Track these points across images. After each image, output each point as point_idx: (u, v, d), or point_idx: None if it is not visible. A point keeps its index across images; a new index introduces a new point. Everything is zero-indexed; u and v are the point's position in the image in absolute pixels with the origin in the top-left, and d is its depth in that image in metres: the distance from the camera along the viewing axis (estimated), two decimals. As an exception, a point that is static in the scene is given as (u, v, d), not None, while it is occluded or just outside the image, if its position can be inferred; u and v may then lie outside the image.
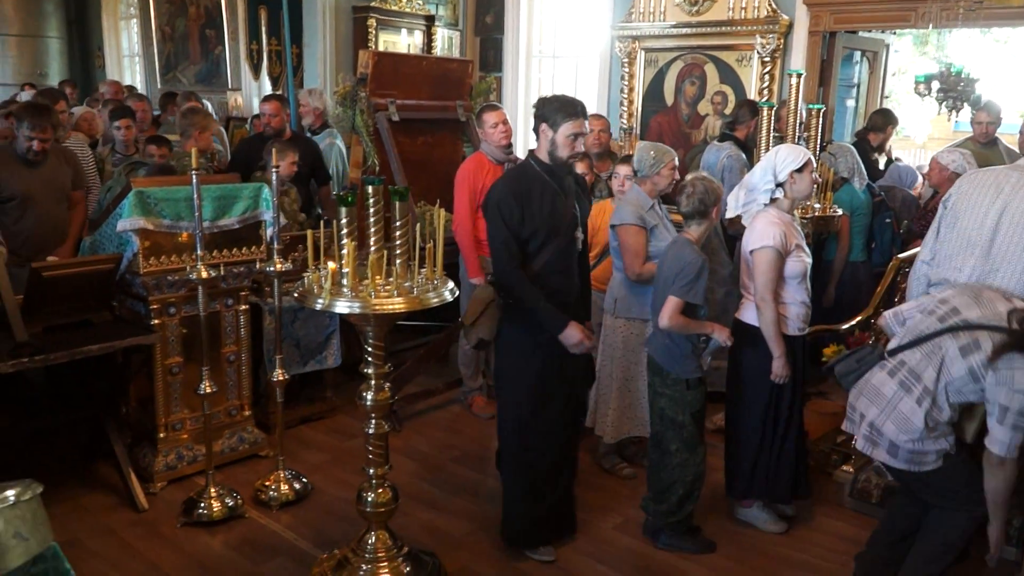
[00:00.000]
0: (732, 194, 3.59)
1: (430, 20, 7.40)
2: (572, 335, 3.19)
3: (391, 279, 2.84)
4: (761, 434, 3.52)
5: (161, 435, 3.98)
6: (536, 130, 3.25)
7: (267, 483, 3.85)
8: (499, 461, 3.59)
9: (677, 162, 4.00)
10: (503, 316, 3.30)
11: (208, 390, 3.63)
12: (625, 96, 6.91)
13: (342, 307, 2.75)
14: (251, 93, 9.41)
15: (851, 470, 3.97)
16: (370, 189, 2.82)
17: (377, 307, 2.74)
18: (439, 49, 7.61)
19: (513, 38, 7.84)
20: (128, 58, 12.55)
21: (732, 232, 4.68)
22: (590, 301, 3.62)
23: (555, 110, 3.13)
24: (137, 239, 3.74)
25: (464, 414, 4.94)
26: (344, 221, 2.84)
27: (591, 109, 7.33)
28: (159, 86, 11.14)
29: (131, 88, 8.84)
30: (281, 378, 3.82)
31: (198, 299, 3.56)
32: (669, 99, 6.75)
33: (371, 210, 2.82)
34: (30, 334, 3.42)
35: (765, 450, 3.53)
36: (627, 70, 6.83)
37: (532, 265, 3.21)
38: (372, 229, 2.82)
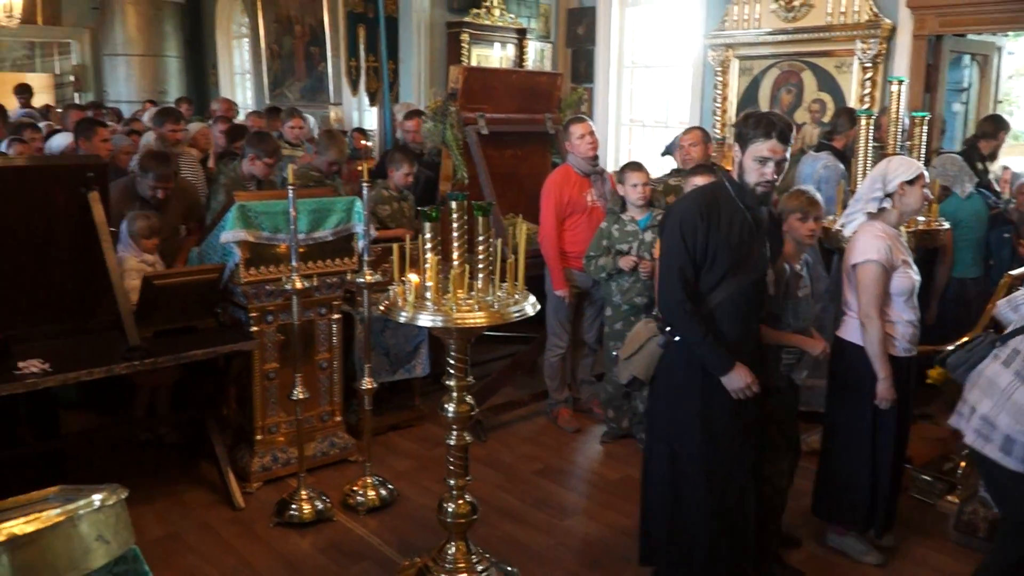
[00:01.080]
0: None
1: (522, 33, 7.46)
2: (737, 378, 2.75)
3: (473, 293, 2.88)
4: (861, 460, 3.35)
5: (258, 437, 4.13)
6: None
7: (355, 488, 3.95)
8: (644, 550, 3.15)
9: None
10: (663, 355, 2.96)
11: (301, 396, 3.76)
12: (718, 105, 6.78)
13: (425, 320, 2.79)
14: (351, 107, 9.72)
15: (956, 501, 3.75)
16: (453, 204, 2.87)
17: (459, 321, 2.78)
18: (531, 62, 7.66)
19: (605, 49, 7.81)
20: (239, 75, 13.15)
21: (828, 245, 4.51)
22: (767, 360, 3.06)
23: (748, 126, 2.73)
24: (238, 250, 3.91)
25: (549, 426, 4.94)
26: (427, 236, 2.89)
27: (684, 119, 7.28)
28: (267, 101, 11.61)
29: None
30: (369, 386, 3.91)
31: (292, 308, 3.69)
32: (764, 107, 6.58)
33: (454, 225, 2.87)
34: (142, 338, 3.62)
35: (864, 477, 3.36)
36: (720, 79, 6.71)
37: (705, 302, 2.77)
38: (455, 244, 2.86)
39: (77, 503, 1.22)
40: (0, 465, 4.01)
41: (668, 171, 5.20)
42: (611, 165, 7.85)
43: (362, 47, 7.51)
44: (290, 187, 3.56)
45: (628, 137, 8.04)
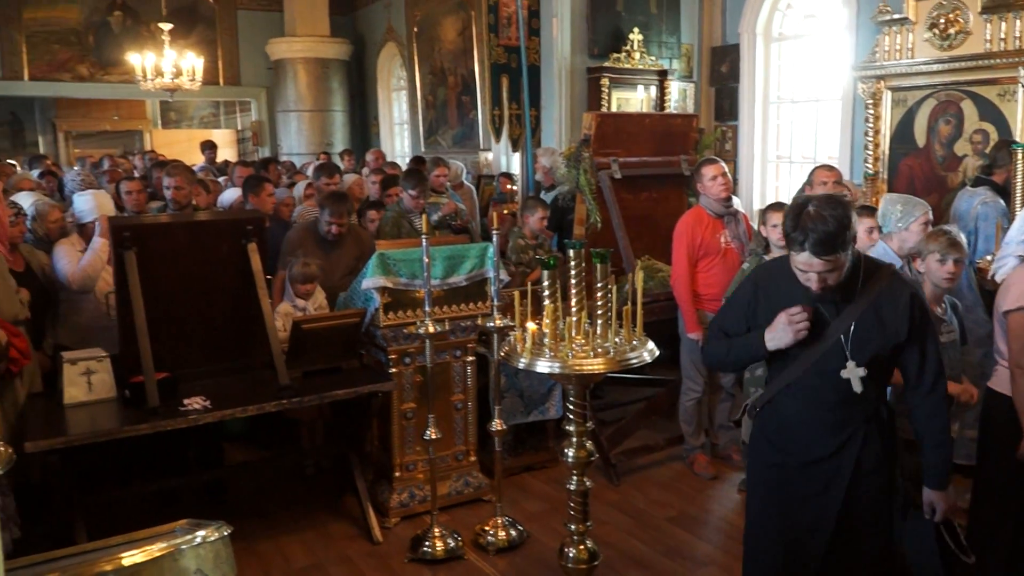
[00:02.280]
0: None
1: (663, 75, 7.47)
2: (778, 328, 2.47)
3: (591, 339, 2.91)
4: (1010, 520, 3.09)
5: (396, 474, 4.31)
6: None
7: (486, 527, 4.03)
8: None
9: (931, 216, 3.67)
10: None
11: (434, 436, 3.90)
12: (870, 139, 6.48)
13: (542, 366, 2.85)
14: (499, 152, 10.03)
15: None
16: (571, 253, 2.93)
17: (576, 367, 2.81)
18: (672, 101, 7.64)
19: (749, 86, 7.67)
20: (398, 125, 13.92)
21: (991, 288, 4.20)
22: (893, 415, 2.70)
23: (787, 226, 2.41)
24: (378, 295, 4.14)
25: (685, 472, 4.84)
26: (546, 284, 2.95)
27: (833, 153, 7.01)
28: (422, 149, 12.21)
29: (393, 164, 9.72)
30: (500, 428, 4.00)
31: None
32: (920, 140, 6.22)
33: (572, 272, 2.92)
34: (291, 378, 3.90)
35: (1006, 536, 3.09)
36: (872, 111, 6.41)
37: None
38: (572, 291, 2.91)
39: (184, 538, 1.35)
40: (169, 492, 4.43)
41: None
42: (757, 202, 7.66)
43: (505, 96, 7.77)
44: (424, 236, 3.74)
45: (775, 174, 7.82)
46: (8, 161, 9.80)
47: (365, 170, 8.21)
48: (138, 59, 11.31)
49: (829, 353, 2.46)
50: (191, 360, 4.00)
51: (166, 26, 11.54)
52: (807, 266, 2.35)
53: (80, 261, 4.32)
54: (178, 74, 11.28)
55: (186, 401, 3.64)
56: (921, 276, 3.21)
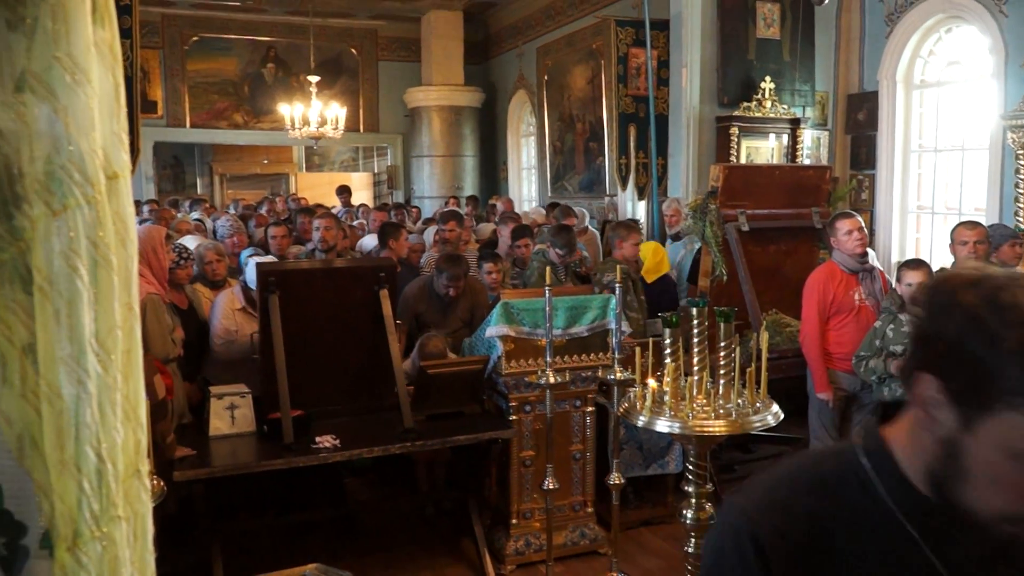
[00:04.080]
0: None
1: (795, 123, 7.30)
2: None
3: (713, 399, 2.86)
4: None
5: (513, 521, 4.34)
6: None
7: (601, 582, 3.99)
8: None
9: None
10: None
11: (551, 486, 3.90)
12: (1021, 191, 6.08)
13: (662, 426, 2.83)
14: (626, 199, 10.04)
15: None
16: (694, 311, 2.90)
17: (696, 429, 2.77)
18: (805, 150, 7.44)
19: (888, 134, 7.37)
20: (526, 170, 14.19)
21: None
22: None
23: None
24: (501, 343, 4.22)
25: (811, 536, 4.61)
26: (668, 342, 2.94)
27: (980, 205, 6.62)
28: (549, 194, 12.39)
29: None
30: (617, 481, 3.96)
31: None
32: (1080, 193, 5.79)
33: (695, 331, 2.90)
34: (415, 421, 4.02)
35: None
36: (1023, 162, 6.03)
37: None
38: (695, 349, 2.88)
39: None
40: (296, 527, 4.62)
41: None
42: (895, 254, 7.32)
43: (632, 145, 7.81)
44: (547, 288, 3.79)
45: (915, 226, 7.45)
46: (167, 204, 10.63)
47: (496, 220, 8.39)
48: (287, 109, 12.10)
49: None
50: (323, 399, 4.19)
51: (313, 78, 12.31)
52: None
53: (217, 329, 4.55)
54: (323, 123, 11.98)
55: (318, 439, 3.81)
56: None
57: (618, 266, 4.00)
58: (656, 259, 6.05)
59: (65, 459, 0.77)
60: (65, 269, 0.78)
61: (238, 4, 13.17)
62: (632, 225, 5.45)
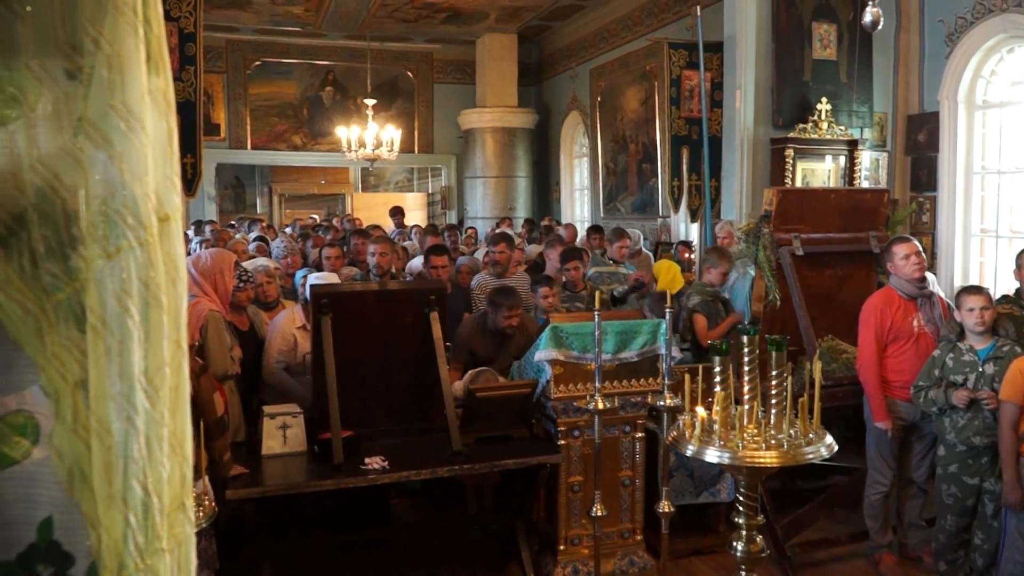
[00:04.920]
0: None
1: (853, 144, 7.16)
2: None
3: (764, 429, 2.80)
4: None
5: (561, 547, 4.30)
6: None
7: (649, 611, 3.93)
8: None
9: None
10: None
11: (599, 513, 3.86)
12: (1092, 215, 5.87)
13: (711, 456, 2.78)
14: (678, 220, 9.97)
15: None
16: (744, 339, 2.85)
17: (747, 459, 2.72)
18: (863, 171, 7.30)
19: (950, 155, 7.19)
20: (579, 191, 14.21)
21: None
22: None
23: None
24: (550, 367, 4.21)
25: (869, 572, 4.48)
26: (717, 370, 2.89)
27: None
28: (601, 215, 12.37)
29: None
30: (667, 509, 3.90)
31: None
32: None
33: (745, 360, 2.85)
34: (464, 444, 4.03)
35: None
36: (1094, 185, 5.82)
37: None
38: (745, 378, 2.83)
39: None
40: (344, 547, 4.65)
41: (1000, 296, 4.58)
42: (958, 278, 7.10)
43: (684, 167, 7.76)
44: (596, 312, 3.78)
45: (979, 249, 7.22)
46: (228, 225, 10.90)
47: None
48: (344, 132, 12.35)
49: None
50: (373, 420, 4.23)
51: (370, 101, 12.55)
52: None
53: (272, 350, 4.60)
54: (378, 145, 12.19)
55: (367, 460, 3.85)
56: None
57: (700, 290, 3.97)
58: (669, 276, 6.00)
59: (113, 493, 0.80)
60: (117, 309, 0.81)
61: (299, 29, 13.52)
62: (724, 253, 5.43)
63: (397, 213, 11.73)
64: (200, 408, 3.27)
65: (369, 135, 12.23)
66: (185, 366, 0.89)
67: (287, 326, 4.61)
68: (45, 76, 0.83)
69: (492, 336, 4.93)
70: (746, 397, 2.83)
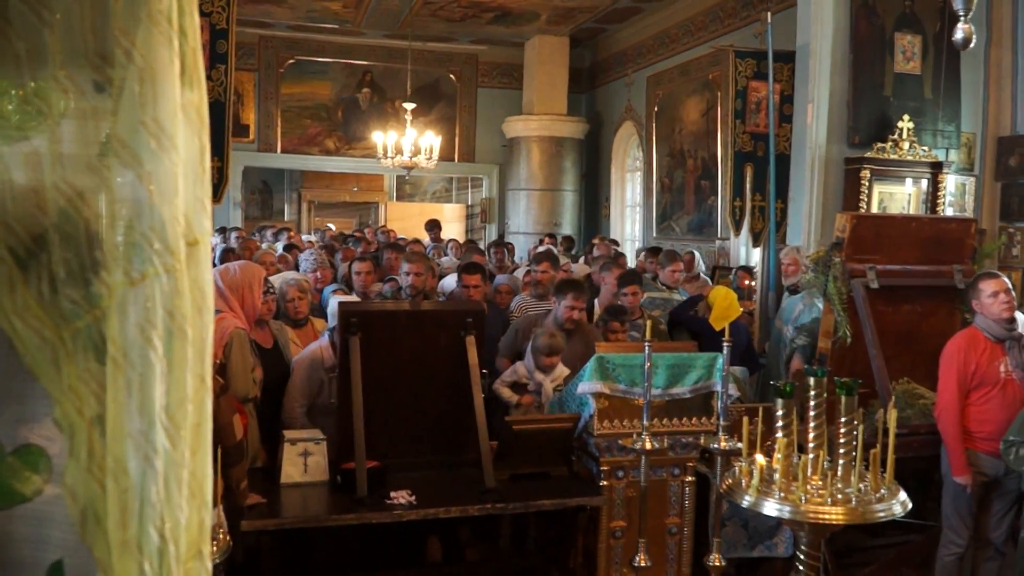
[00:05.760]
0: None
1: (937, 167, 7.04)
2: None
3: (830, 482, 2.75)
4: None
5: (600, 598, 4.26)
6: None
7: (695, 675, 3.85)
8: None
9: None
10: None
11: (643, 563, 3.81)
12: None
13: (770, 508, 2.73)
14: (738, 243, 9.88)
15: None
16: (811, 381, 2.81)
17: (810, 514, 2.66)
18: (948, 197, 7.16)
19: (1046, 182, 7.03)
20: (630, 208, 14.16)
21: None
22: None
23: None
24: (594, 401, 4.18)
25: (941, 641, 4.36)
26: (780, 413, 2.84)
27: None
28: (654, 234, 12.31)
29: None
30: (717, 563, 3.83)
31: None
32: None
33: (812, 404, 2.80)
34: (498, 480, 4.01)
35: None
36: None
37: None
38: (811, 424, 2.78)
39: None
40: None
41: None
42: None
43: (748, 186, 7.69)
44: (647, 343, 3.74)
45: (1078, 287, 7.03)
46: (253, 234, 11.06)
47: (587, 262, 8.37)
48: (380, 137, 12.48)
49: None
50: (400, 450, 4.23)
51: (409, 105, 12.68)
52: None
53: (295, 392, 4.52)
54: (416, 152, 12.29)
55: (393, 494, 3.84)
56: None
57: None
58: (725, 304, 5.90)
59: (127, 538, 0.80)
60: (139, 340, 0.81)
61: (336, 26, 13.73)
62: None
63: (434, 227, 11.78)
64: (218, 432, 3.29)
65: (407, 141, 12.35)
66: (208, 402, 0.90)
67: (316, 369, 4.52)
68: (73, 88, 0.85)
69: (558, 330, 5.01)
70: (811, 445, 2.78)
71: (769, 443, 2.94)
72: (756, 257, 9.00)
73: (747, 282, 8.27)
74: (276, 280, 5.28)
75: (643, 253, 8.99)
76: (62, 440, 0.83)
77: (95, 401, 0.83)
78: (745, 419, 3.06)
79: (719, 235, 10.63)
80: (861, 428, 2.73)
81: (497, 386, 4.97)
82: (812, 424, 2.79)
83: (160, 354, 0.83)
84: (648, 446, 3.73)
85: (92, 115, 0.84)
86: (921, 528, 4.87)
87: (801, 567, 2.88)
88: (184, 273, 0.85)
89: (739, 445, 3.93)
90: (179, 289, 0.84)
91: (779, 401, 2.85)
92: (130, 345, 0.82)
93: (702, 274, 8.86)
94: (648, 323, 3.86)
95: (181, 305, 0.85)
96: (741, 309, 6.59)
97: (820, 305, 5.82)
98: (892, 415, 2.80)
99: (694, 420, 4.28)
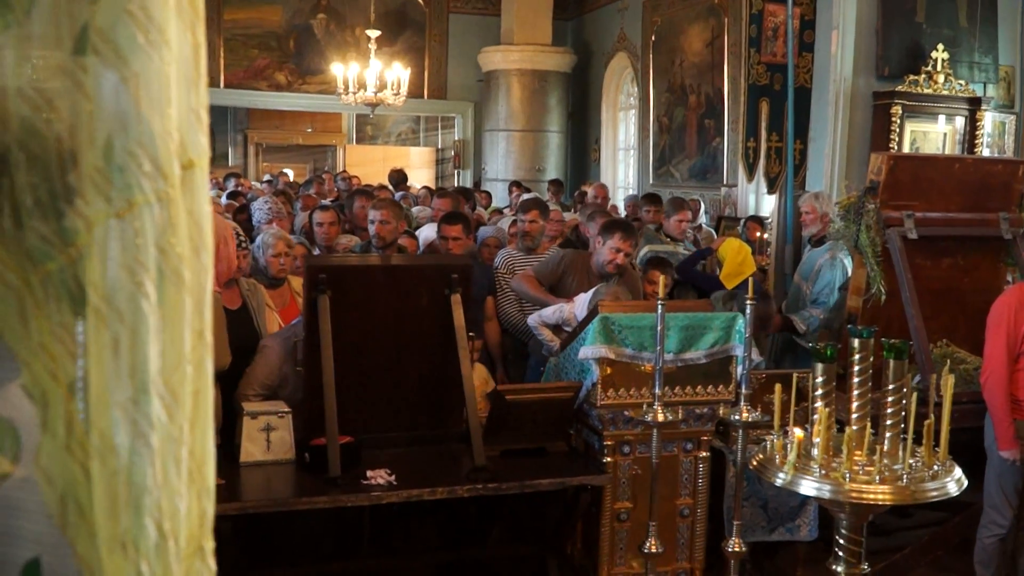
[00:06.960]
0: None
1: (975, 103, 7.02)
2: None
3: (877, 458, 2.73)
4: None
5: (603, 588, 4.26)
6: None
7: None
8: None
9: None
10: None
11: (653, 549, 3.80)
12: None
13: (808, 487, 2.71)
14: (747, 191, 9.85)
15: None
16: (856, 343, 2.77)
17: (853, 494, 2.64)
18: (986, 138, 7.16)
19: (1095, 120, 7.05)
20: (623, 151, 14.08)
21: None
22: None
23: None
24: (597, 367, 4.13)
25: (979, 630, 4.41)
26: (820, 380, 2.81)
27: None
28: (651, 180, 12.26)
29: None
30: (737, 548, 3.83)
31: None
32: None
33: (856, 369, 2.76)
34: (488, 457, 3.97)
35: None
36: None
37: None
38: (855, 392, 2.75)
39: None
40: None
41: None
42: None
43: (764, 124, 7.63)
44: (659, 301, 3.69)
45: None
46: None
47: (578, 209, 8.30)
48: (340, 69, 12.24)
49: None
50: (377, 424, 4.17)
51: (373, 33, 12.43)
52: None
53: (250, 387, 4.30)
54: (381, 87, 12.08)
55: (369, 474, 3.79)
56: None
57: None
58: (739, 259, 5.88)
59: (119, 533, 0.72)
60: (128, 286, 0.73)
61: (287, -59, 13.42)
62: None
63: (400, 180, 11.46)
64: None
65: (371, 75, 12.13)
66: (209, 363, 0.82)
67: (286, 362, 4.26)
68: (39, -32, 0.75)
69: (590, 276, 5.03)
70: (854, 416, 2.76)
71: (793, 415, 2.91)
72: (767, 206, 8.96)
73: (758, 234, 8.24)
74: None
75: (633, 201, 8.91)
76: (33, 411, 0.75)
77: (72, 363, 0.74)
78: (778, 386, 3.02)
79: (725, 181, 10.59)
80: (914, 396, 2.71)
81: (536, 322, 4.94)
82: (855, 392, 2.76)
83: (154, 303, 0.74)
84: (660, 418, 3.70)
85: (66, 3, 0.74)
86: (958, 507, 4.90)
87: (841, 552, 2.87)
88: (179, 202, 0.76)
89: (762, 416, 3.93)
90: (174, 222, 0.76)
91: (819, 366, 2.82)
92: (116, 292, 0.73)
93: (704, 225, 8.83)
94: (661, 278, 3.80)
95: (176, 243, 0.76)
96: (755, 265, 6.57)
97: (845, 262, 5.80)
98: (948, 381, 2.78)
99: (709, 388, 4.25)
